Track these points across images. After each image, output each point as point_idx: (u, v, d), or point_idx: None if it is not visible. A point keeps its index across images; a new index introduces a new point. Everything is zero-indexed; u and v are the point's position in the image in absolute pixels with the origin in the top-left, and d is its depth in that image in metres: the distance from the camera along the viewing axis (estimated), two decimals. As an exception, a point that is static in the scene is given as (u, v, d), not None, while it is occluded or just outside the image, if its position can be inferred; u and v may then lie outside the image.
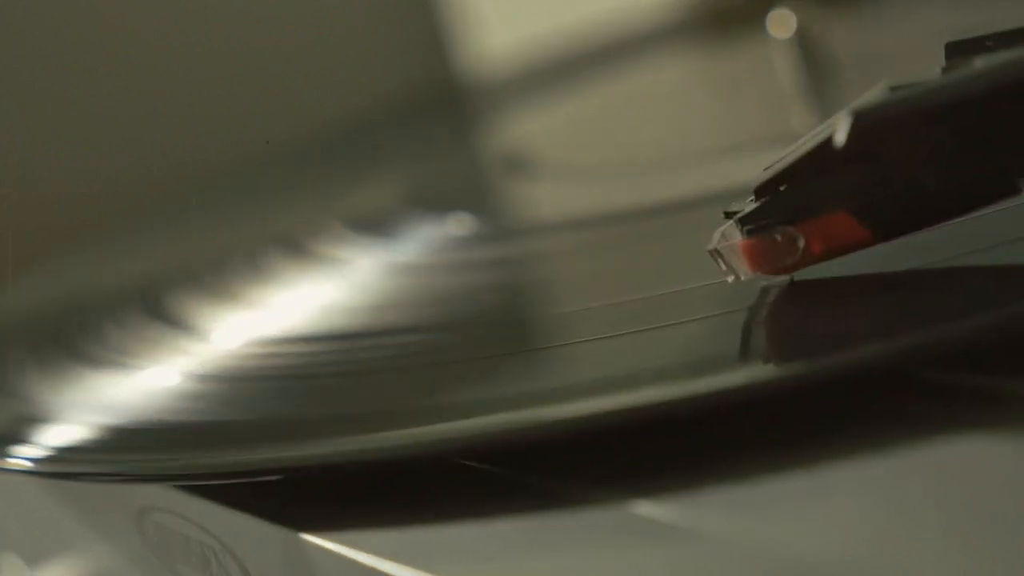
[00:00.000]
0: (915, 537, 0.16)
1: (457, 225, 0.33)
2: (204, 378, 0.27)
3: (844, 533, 0.17)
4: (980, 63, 0.20)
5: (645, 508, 0.18)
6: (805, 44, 0.38)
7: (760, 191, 0.21)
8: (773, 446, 0.19)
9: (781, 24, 0.38)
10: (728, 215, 0.21)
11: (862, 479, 0.18)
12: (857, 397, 0.19)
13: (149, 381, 0.28)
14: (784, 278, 0.21)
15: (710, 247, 0.21)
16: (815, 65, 0.38)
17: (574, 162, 0.39)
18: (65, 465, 0.25)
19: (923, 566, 0.16)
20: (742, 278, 0.21)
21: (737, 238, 0.21)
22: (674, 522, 0.18)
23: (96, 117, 0.52)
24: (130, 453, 0.24)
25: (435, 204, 0.36)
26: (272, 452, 0.22)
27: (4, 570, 0.29)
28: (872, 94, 0.20)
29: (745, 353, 0.20)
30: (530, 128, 0.46)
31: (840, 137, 0.19)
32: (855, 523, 0.17)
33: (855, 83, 0.36)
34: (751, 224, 0.21)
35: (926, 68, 0.21)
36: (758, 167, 0.21)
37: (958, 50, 0.21)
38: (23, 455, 0.25)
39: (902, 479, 0.17)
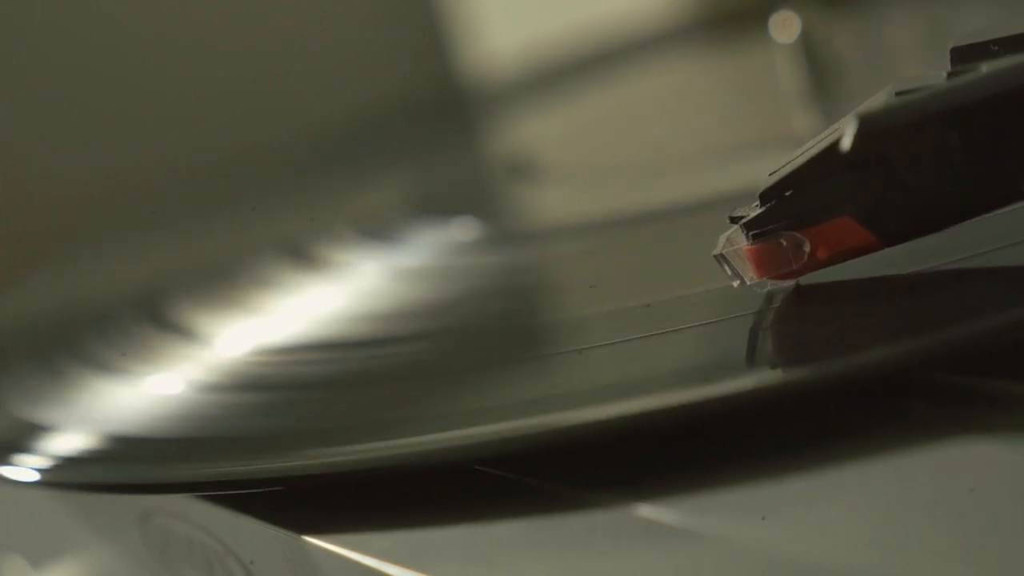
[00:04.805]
0: (919, 541, 0.16)
1: (462, 229, 0.33)
2: (209, 386, 0.27)
3: (849, 537, 0.17)
4: (986, 67, 0.20)
5: (648, 511, 0.18)
6: (809, 47, 0.38)
7: (765, 196, 0.21)
8: (777, 449, 0.19)
9: (784, 27, 0.38)
10: (733, 220, 0.21)
11: (867, 482, 0.18)
12: (861, 400, 0.19)
13: (153, 389, 0.28)
14: (790, 283, 0.21)
15: (716, 252, 0.21)
16: (819, 68, 0.37)
17: (578, 165, 0.39)
18: (67, 475, 0.25)
19: (927, 570, 0.16)
20: (747, 283, 0.21)
21: (743, 243, 0.21)
22: (677, 525, 0.18)
23: (97, 119, 0.52)
24: (133, 463, 0.24)
25: (440, 208, 0.36)
26: (278, 462, 0.22)
27: (7, 573, 0.29)
28: (877, 98, 0.20)
29: (751, 358, 0.20)
30: (534, 131, 0.46)
31: (846, 142, 0.19)
32: (860, 527, 0.17)
33: (860, 87, 0.36)
34: (756, 229, 0.21)
35: (931, 72, 0.21)
36: (763, 171, 0.21)
37: (964, 54, 0.21)
38: (26, 464, 0.25)
39: (906, 482, 0.17)
